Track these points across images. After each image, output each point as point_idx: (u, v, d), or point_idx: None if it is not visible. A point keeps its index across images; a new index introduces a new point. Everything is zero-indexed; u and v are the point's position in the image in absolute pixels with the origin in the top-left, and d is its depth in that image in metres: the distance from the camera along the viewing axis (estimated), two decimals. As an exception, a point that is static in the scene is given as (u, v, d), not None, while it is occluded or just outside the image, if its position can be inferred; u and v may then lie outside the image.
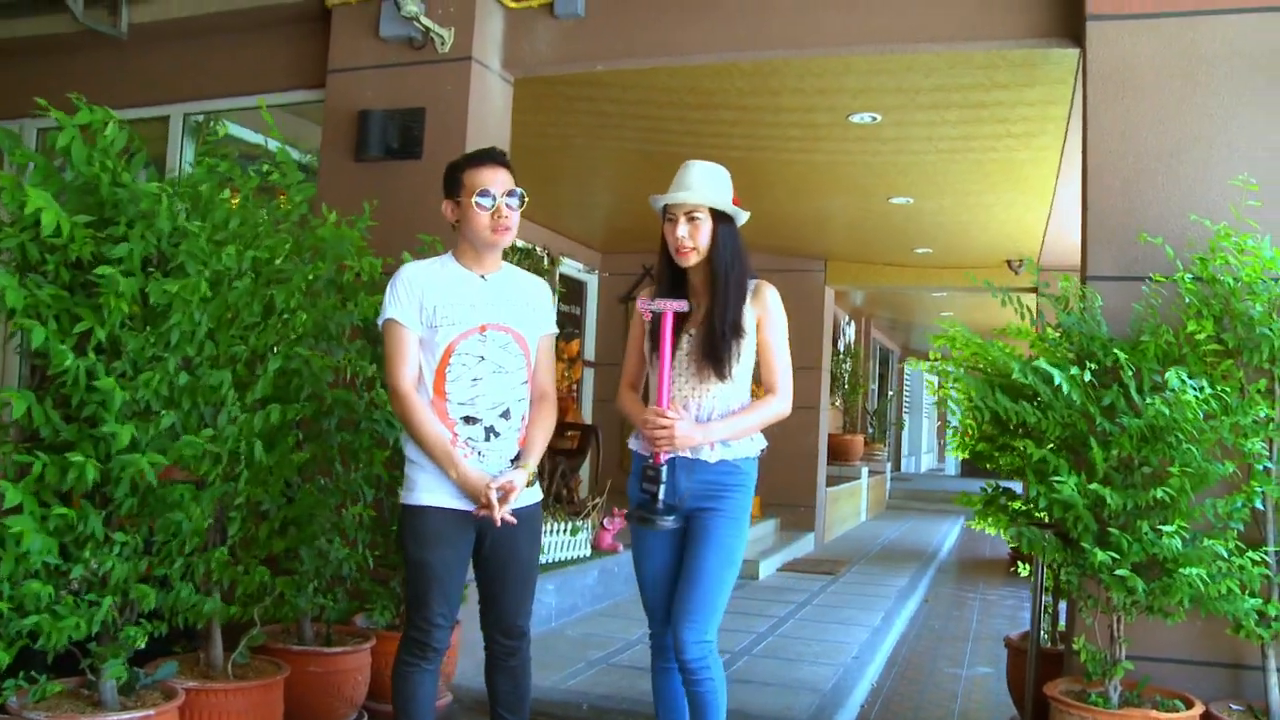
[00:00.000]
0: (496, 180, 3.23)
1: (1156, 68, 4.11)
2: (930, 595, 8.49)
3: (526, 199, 3.31)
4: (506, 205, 3.22)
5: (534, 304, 3.38)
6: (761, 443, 3.31)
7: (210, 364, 3.35)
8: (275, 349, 3.55)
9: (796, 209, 8.73)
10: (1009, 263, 9.94)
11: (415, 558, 3.17)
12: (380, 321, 3.25)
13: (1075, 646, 3.76)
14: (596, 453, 9.10)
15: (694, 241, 3.20)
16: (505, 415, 3.22)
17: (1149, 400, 3.42)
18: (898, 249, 10.33)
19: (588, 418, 11.05)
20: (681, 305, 3.18)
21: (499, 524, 3.09)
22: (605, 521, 7.43)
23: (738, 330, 3.20)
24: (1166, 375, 3.36)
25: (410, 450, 3.21)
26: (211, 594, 3.57)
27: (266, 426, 3.37)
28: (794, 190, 8.08)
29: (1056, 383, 3.59)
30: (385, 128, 5.15)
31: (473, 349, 3.20)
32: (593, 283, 11.36)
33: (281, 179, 3.72)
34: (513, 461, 3.21)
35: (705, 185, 3.21)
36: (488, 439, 3.19)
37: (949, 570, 10.13)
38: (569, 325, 10.79)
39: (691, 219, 3.20)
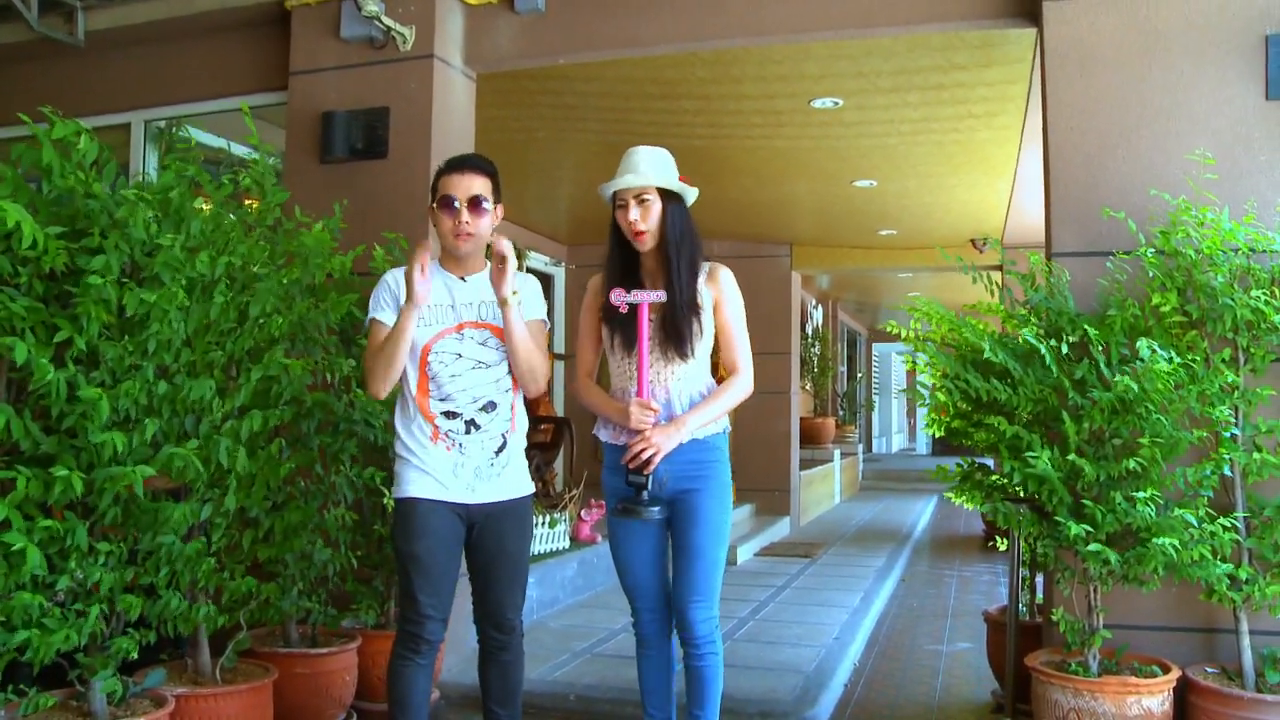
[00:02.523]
0: (461, 186, 3.26)
1: (1114, 44, 4.19)
2: (907, 574, 8.58)
3: (495, 205, 3.32)
4: (468, 211, 3.25)
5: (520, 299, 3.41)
6: (727, 424, 3.39)
7: (188, 371, 3.35)
8: (253, 354, 3.55)
9: (761, 195, 8.77)
10: (973, 241, 10.03)
11: (403, 550, 3.22)
12: (367, 320, 3.34)
13: (1054, 618, 3.83)
14: (570, 445, 9.11)
15: (646, 223, 3.26)
16: (487, 408, 3.28)
17: (1119, 373, 3.49)
18: (863, 231, 10.40)
19: (560, 410, 11.06)
20: (660, 296, 3.23)
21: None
22: (583, 513, 7.47)
23: (694, 307, 3.27)
24: (1138, 346, 3.43)
25: (398, 445, 3.29)
26: (198, 600, 3.57)
27: (250, 433, 3.37)
28: (758, 177, 8.12)
29: (1041, 354, 3.65)
30: (349, 128, 5.15)
31: (449, 348, 3.27)
32: (560, 275, 11.37)
33: (254, 185, 3.72)
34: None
35: (651, 167, 3.28)
36: (468, 431, 3.26)
37: (924, 549, 10.24)
38: (538, 319, 10.78)
39: (641, 201, 3.26)
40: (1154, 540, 3.46)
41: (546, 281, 11.18)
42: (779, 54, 5.36)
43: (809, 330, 14.97)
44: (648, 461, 3.17)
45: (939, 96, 5.91)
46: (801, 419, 12.80)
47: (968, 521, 12.05)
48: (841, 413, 17.13)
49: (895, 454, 24.43)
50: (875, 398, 23.09)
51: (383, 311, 3.29)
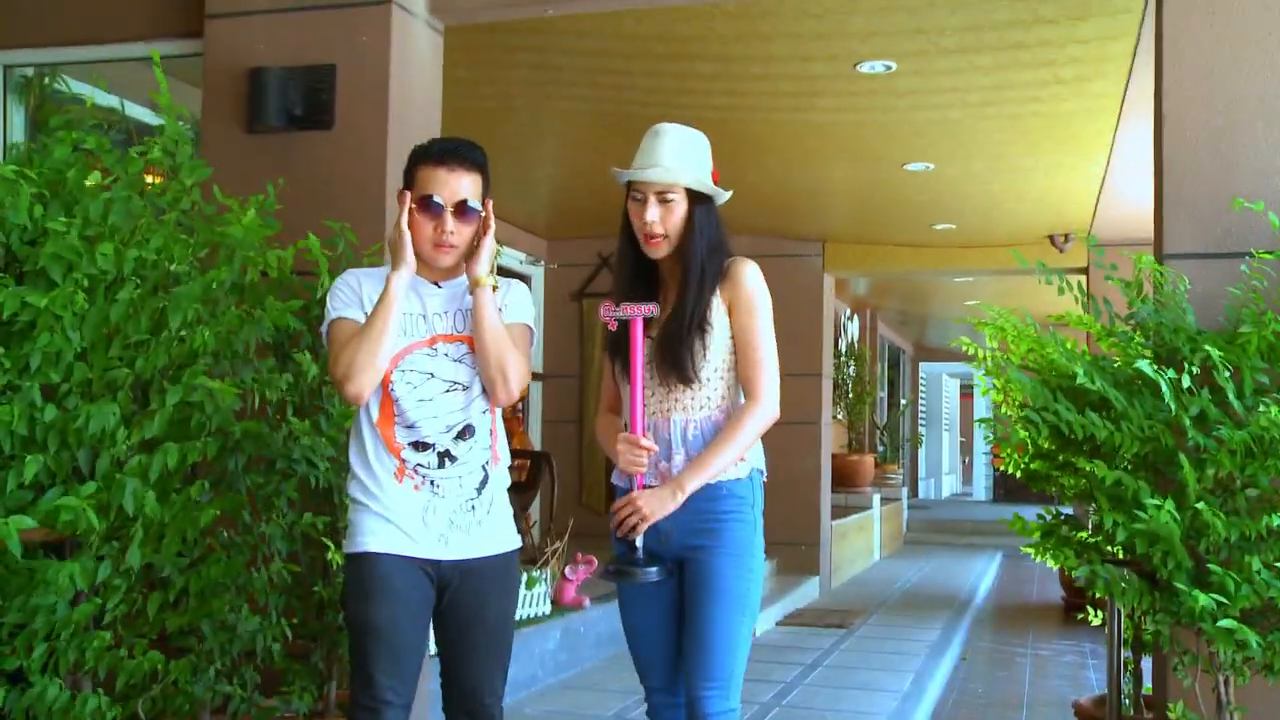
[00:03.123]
0: (448, 186, 3.20)
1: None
2: (968, 651, 8.53)
3: (487, 212, 3.28)
4: (454, 218, 3.20)
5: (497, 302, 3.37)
6: (758, 462, 3.29)
7: (82, 394, 3.25)
8: (167, 373, 3.46)
9: (788, 180, 8.74)
10: (1052, 238, 10.02)
11: (359, 618, 3.15)
12: (324, 327, 3.29)
13: (1172, 715, 3.75)
14: (551, 486, 9.05)
15: (665, 227, 3.19)
16: (463, 435, 3.25)
17: (1264, 406, 3.41)
18: (912, 226, 10.39)
19: (537, 443, 11.00)
20: (651, 309, 3.16)
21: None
22: (567, 570, 7.38)
23: (702, 325, 3.19)
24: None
25: (352, 486, 3.25)
26: (82, 688, 3.45)
27: (162, 472, 3.28)
28: (786, 157, 8.10)
29: (1153, 380, 3.57)
30: (285, 89, 5.06)
31: (419, 365, 3.23)
32: (538, 276, 11.31)
33: (165, 157, 3.62)
34: None
35: (681, 159, 3.19)
36: (442, 465, 3.22)
37: (988, 619, 10.21)
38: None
39: (664, 200, 3.17)
40: (1308, 620, 3.37)
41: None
42: (819, 5, 5.32)
43: (842, 346, 14.94)
44: (634, 528, 3.14)
45: (1017, 58, 5.87)
46: (834, 456, 12.77)
47: (1042, 586, 12.00)
48: (882, 449, 17.10)
49: (946, 500, 24.46)
50: (922, 430, 23.07)
51: (349, 309, 3.24)
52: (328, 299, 3.30)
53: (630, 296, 3.22)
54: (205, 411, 3.47)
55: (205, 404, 3.42)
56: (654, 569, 3.15)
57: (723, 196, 3.28)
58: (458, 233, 3.22)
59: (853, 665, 7.70)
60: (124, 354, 3.37)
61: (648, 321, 3.19)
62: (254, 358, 3.92)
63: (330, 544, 4.19)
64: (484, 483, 3.27)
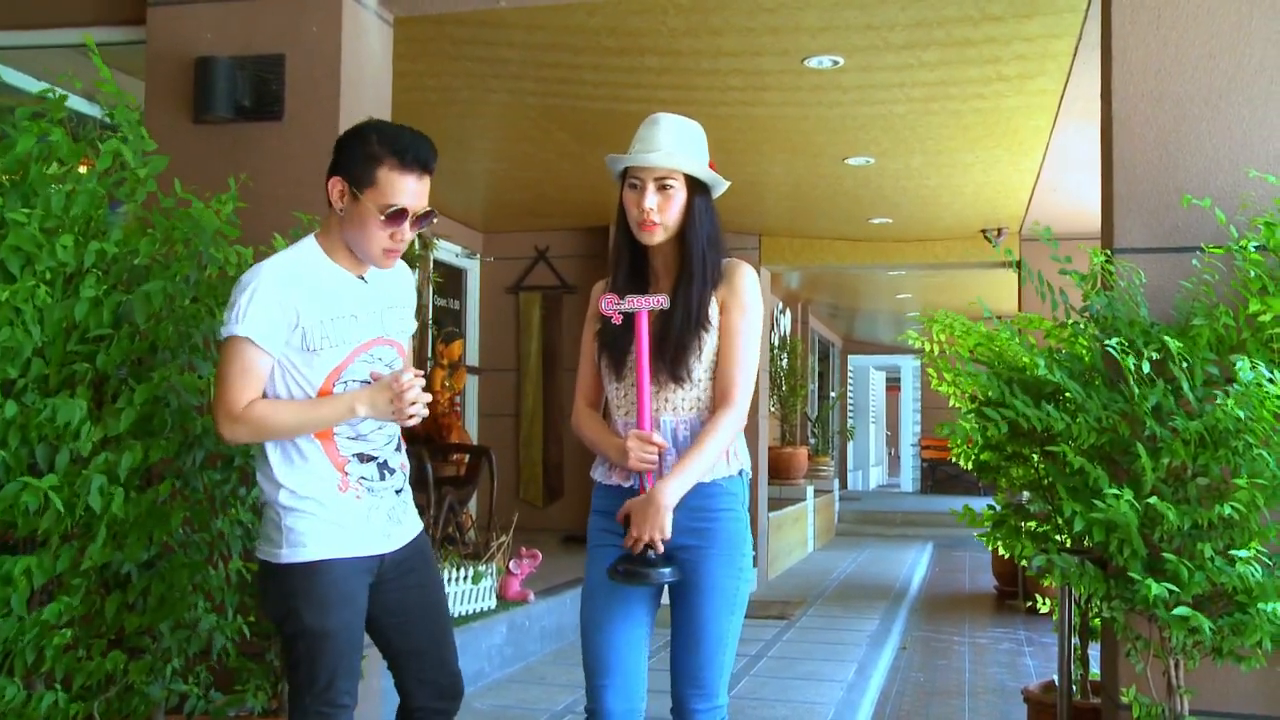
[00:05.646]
0: (420, 198, 3.08)
1: (1205, -16, 4.19)
2: (907, 640, 8.59)
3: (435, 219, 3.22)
4: (410, 228, 3.10)
5: (409, 302, 3.35)
6: (744, 462, 3.24)
7: (39, 388, 3.19)
8: (129, 368, 3.40)
9: (729, 174, 8.40)
10: (985, 233, 10.12)
11: (314, 627, 3.05)
12: (222, 334, 3.04)
13: (1125, 699, 3.81)
14: (490, 480, 9.00)
15: (663, 215, 3.11)
16: (398, 447, 3.27)
17: (1219, 398, 3.47)
18: (850, 220, 10.43)
19: (475, 437, 10.94)
20: (660, 301, 3.10)
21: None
22: (511, 565, 7.35)
23: (703, 321, 3.13)
24: (1235, 364, 3.41)
25: (282, 495, 3.07)
26: (36, 688, 3.39)
27: (130, 469, 3.22)
28: (727, 151, 8.08)
29: (1106, 374, 3.62)
30: (233, 80, 5.00)
31: (360, 374, 3.12)
32: (474, 269, 11.26)
33: (123, 146, 3.55)
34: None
35: (681, 146, 3.13)
36: (382, 477, 3.19)
37: (924, 609, 10.28)
38: (448, 322, 10.67)
39: (663, 187, 3.10)
40: (1259, 605, 3.44)
41: (457, 277, 11.05)
42: (773, 1, 5.32)
43: (774, 339, 15.00)
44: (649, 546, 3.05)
45: (963, 55, 5.91)
46: (769, 448, 12.82)
47: (973, 576, 12.14)
48: (813, 441, 17.20)
49: (875, 491, 24.62)
50: (852, 422, 23.24)
51: (261, 330, 2.98)
52: (239, 297, 3.00)
53: (629, 286, 3.17)
54: (171, 405, 3.42)
55: (170, 398, 3.37)
56: (669, 569, 3.05)
57: (722, 185, 3.22)
58: (408, 240, 3.12)
59: (796, 656, 7.74)
60: (83, 349, 3.31)
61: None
62: (213, 352, 3.87)
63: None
64: (403, 483, 3.30)
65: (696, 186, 3.16)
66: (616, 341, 3.18)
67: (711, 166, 3.20)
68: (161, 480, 3.60)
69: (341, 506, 3.09)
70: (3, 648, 3.23)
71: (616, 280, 3.23)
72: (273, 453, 3.08)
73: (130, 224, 3.44)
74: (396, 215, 3.04)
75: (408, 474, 3.33)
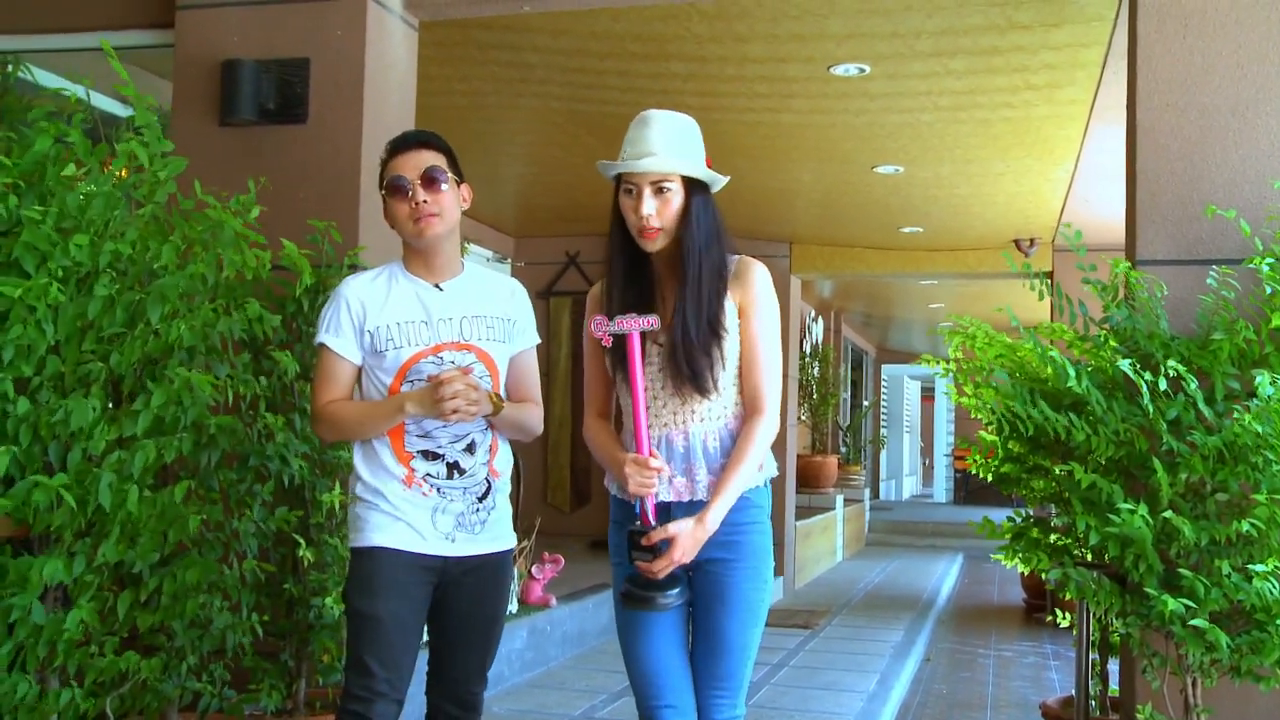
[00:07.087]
0: (410, 163, 3.22)
1: (1232, -5, 4.15)
2: (931, 652, 8.55)
3: (459, 184, 3.28)
4: (423, 189, 3.19)
5: (504, 313, 3.36)
6: (772, 469, 3.17)
7: (54, 387, 3.22)
8: (143, 367, 3.43)
9: (759, 181, 8.73)
10: (1017, 243, 10.07)
11: (361, 609, 3.19)
12: (316, 340, 3.33)
13: (1140, 717, 3.77)
14: (517, 486, 9.01)
15: (663, 220, 3.00)
16: (470, 449, 3.27)
17: (1237, 412, 3.44)
18: (880, 228, 10.42)
19: (503, 442, 10.96)
20: (650, 322, 2.97)
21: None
22: (534, 569, 7.35)
23: (716, 330, 3.03)
24: (1255, 379, 3.38)
25: (358, 486, 3.27)
26: (50, 684, 3.42)
27: (144, 468, 3.24)
28: (755, 158, 8.09)
29: (1128, 385, 3.59)
30: (258, 83, 5.03)
31: (426, 374, 3.22)
32: (505, 273, 11.28)
33: (142, 148, 3.57)
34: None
35: (674, 145, 3.01)
36: (451, 476, 3.25)
37: (950, 621, 10.23)
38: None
39: (660, 190, 2.99)
40: (1277, 624, 3.40)
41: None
42: (797, 7, 5.31)
43: (807, 348, 14.97)
44: (651, 536, 2.98)
45: (990, 63, 5.89)
46: (798, 457, 12.79)
47: (1003, 588, 12.06)
48: (845, 450, 17.14)
49: (907, 501, 24.54)
50: (884, 432, 23.15)
51: (337, 338, 3.25)
52: (326, 309, 3.31)
53: (625, 300, 3.06)
54: (184, 406, 3.44)
55: (184, 397, 3.39)
56: (674, 591, 2.99)
57: (720, 182, 3.12)
58: (432, 200, 3.19)
59: (818, 666, 7.70)
60: (98, 348, 3.34)
61: (646, 331, 3.01)
62: (230, 353, 3.89)
63: (301, 540, 4.16)
64: (488, 493, 3.28)
65: (695, 185, 3.05)
66: (622, 359, 3.05)
67: (708, 163, 3.09)
68: (177, 480, 3.62)
69: (405, 501, 3.21)
70: (13, 646, 3.25)
71: (613, 288, 3.11)
72: (356, 448, 3.32)
73: (146, 224, 3.46)
74: (394, 187, 3.22)
75: (498, 484, 3.31)
